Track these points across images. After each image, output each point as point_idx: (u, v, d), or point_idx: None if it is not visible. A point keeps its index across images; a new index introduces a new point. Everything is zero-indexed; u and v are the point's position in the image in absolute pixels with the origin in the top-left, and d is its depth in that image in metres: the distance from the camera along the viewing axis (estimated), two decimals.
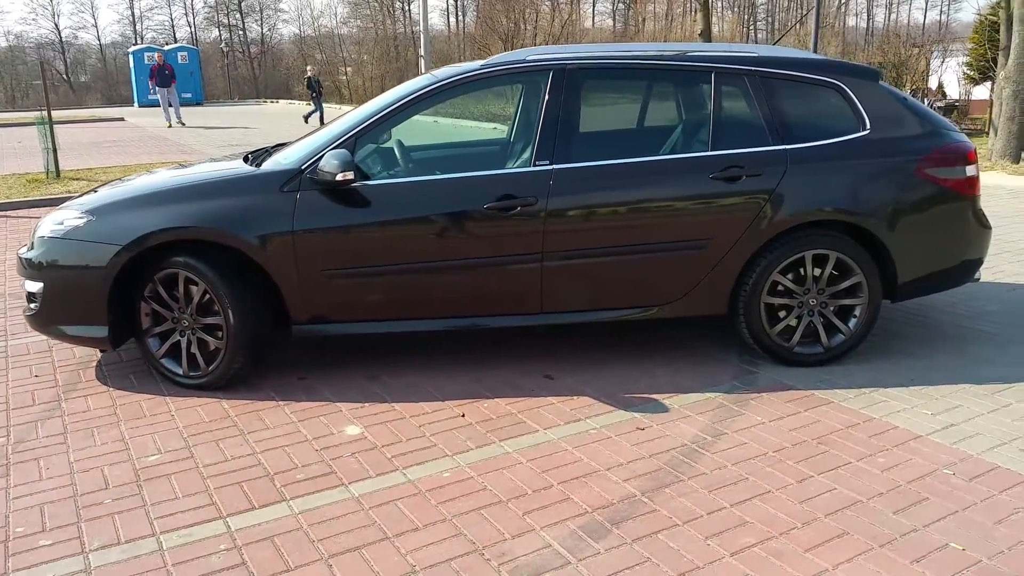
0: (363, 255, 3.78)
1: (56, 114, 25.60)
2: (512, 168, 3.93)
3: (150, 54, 24.73)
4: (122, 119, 23.85)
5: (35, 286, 3.90)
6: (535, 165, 3.83)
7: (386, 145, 4.13)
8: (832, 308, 4.06)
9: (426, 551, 2.61)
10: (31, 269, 3.90)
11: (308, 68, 23.87)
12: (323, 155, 3.71)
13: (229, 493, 2.99)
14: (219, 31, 57.09)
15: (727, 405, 3.68)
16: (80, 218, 3.85)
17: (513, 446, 3.32)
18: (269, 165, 3.95)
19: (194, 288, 3.77)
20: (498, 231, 3.80)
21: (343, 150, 3.69)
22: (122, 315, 3.88)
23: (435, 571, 2.51)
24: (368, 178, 3.88)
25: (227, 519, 2.82)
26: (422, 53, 18.79)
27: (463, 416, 3.60)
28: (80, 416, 3.67)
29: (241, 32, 58.04)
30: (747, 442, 3.32)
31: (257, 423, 3.56)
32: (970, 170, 4.08)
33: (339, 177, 3.62)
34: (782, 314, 4.06)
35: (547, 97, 3.89)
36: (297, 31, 59.54)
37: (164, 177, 4.23)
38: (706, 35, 19.04)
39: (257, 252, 3.73)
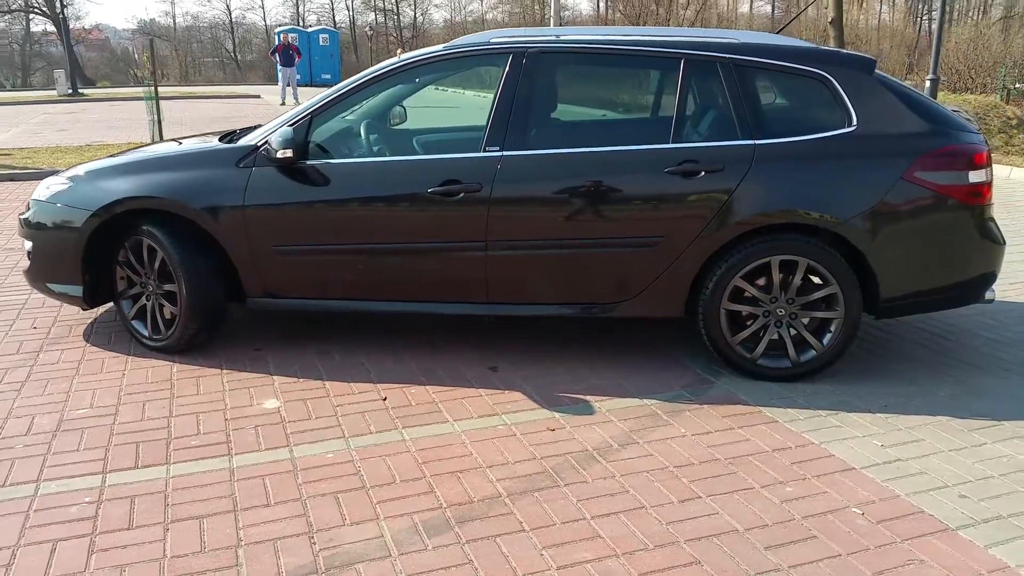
0: (308, 233, 3.83)
1: (201, 90, 27.60)
2: (461, 153, 3.85)
3: (294, 35, 26.04)
4: (258, 96, 25.26)
5: (28, 245, 4.21)
6: (485, 151, 3.74)
7: (352, 125, 4.14)
8: (806, 320, 3.74)
9: (261, 527, 2.63)
10: (25, 228, 4.21)
11: (398, 51, 24.32)
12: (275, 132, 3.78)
13: (124, 451, 3.13)
14: (375, 15, 59.33)
15: (658, 413, 3.48)
16: (63, 184, 4.13)
17: (412, 434, 3.27)
18: (241, 141, 4.06)
19: (157, 255, 3.94)
20: (443, 217, 3.75)
21: (288, 128, 3.75)
22: (101, 277, 4.12)
23: (256, 548, 2.53)
24: (331, 156, 3.92)
25: (107, 475, 2.96)
26: None
27: (384, 400, 3.59)
28: (47, 367, 3.94)
29: (395, 17, 60.00)
30: (652, 454, 3.12)
31: (191, 388, 3.70)
32: (976, 176, 3.62)
33: (278, 155, 3.69)
34: (750, 323, 3.78)
35: (503, 81, 3.78)
36: (448, 16, 60.95)
37: (148, 149, 4.44)
38: (837, 24, 17.83)
39: (211, 224, 3.85)
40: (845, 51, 3.86)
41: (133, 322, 4.13)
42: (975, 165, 3.61)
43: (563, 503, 2.78)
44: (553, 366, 3.96)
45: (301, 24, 52.24)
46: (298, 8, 60.25)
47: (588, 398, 3.63)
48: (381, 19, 58.17)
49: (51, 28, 48.05)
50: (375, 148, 4.13)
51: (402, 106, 4.65)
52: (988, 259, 3.75)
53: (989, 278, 3.81)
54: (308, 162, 3.81)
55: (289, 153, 3.68)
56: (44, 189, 4.20)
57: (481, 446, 3.18)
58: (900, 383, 3.81)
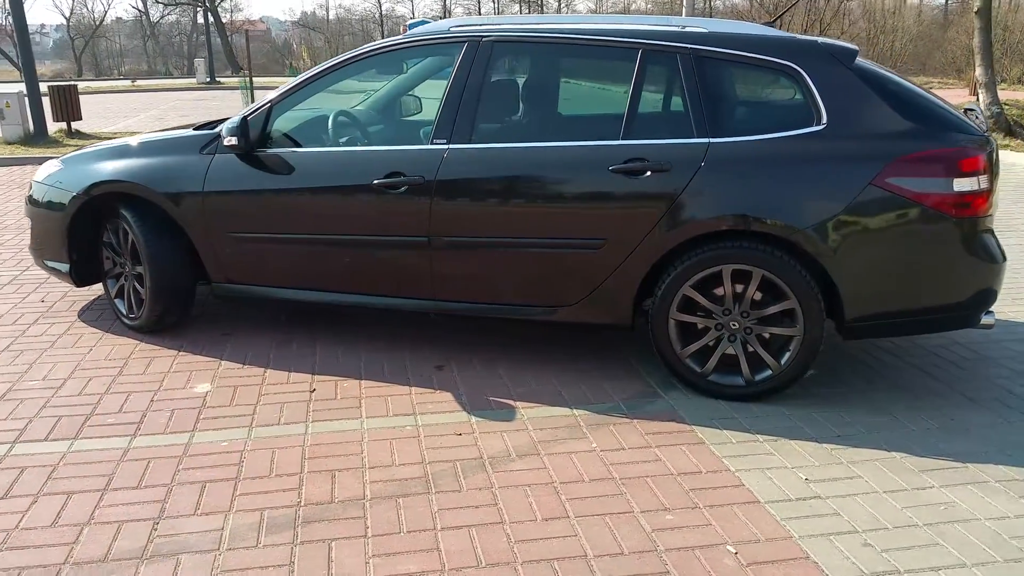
0: (260, 221, 3.88)
1: None
2: (409, 145, 3.78)
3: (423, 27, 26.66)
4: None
5: (30, 223, 4.49)
6: (432, 143, 3.65)
7: (311, 115, 4.14)
8: (767, 336, 3.43)
9: (117, 508, 2.68)
10: (27, 206, 4.49)
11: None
12: None
13: (43, 424, 3.27)
14: (519, 7, 59.77)
15: (580, 425, 3.28)
16: (57, 166, 4.37)
17: (317, 428, 3.25)
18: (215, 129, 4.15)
19: (130, 237, 4.10)
20: (388, 209, 3.69)
21: (238, 117, 3.79)
22: (92, 256, 4.34)
23: (101, 528, 2.58)
24: (287, 146, 3.93)
25: (16, 444, 3.11)
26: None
27: (312, 392, 3.58)
28: (29, 340, 4.19)
29: (539, 8, 60.20)
30: (545, 467, 2.95)
31: (140, 367, 3.83)
32: (963, 184, 3.18)
33: (226, 143, 3.74)
34: (702, 336, 3.50)
35: (454, 72, 3.67)
36: (592, 6, 60.52)
37: (139, 136, 4.62)
38: (984, 14, 16.29)
39: (174, 210, 3.97)
40: (823, 41, 3.48)
41: (115, 301, 4.33)
42: (961, 172, 3.18)
43: (421, 511, 2.67)
44: (500, 368, 3.83)
45: (448, 17, 53.25)
46: (444, 2, 61.58)
47: (517, 404, 3.48)
48: (525, 9, 58.50)
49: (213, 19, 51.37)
50: (330, 138, 4.10)
51: (415, 96, 4.62)
52: (980, 279, 3.30)
53: (983, 300, 3.35)
54: (260, 151, 3.85)
55: (234, 141, 3.73)
56: (43, 170, 4.46)
57: (376, 446, 3.11)
58: (871, 412, 3.42)
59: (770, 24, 3.84)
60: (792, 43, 3.44)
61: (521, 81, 3.92)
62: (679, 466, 2.97)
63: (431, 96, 4.63)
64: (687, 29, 3.50)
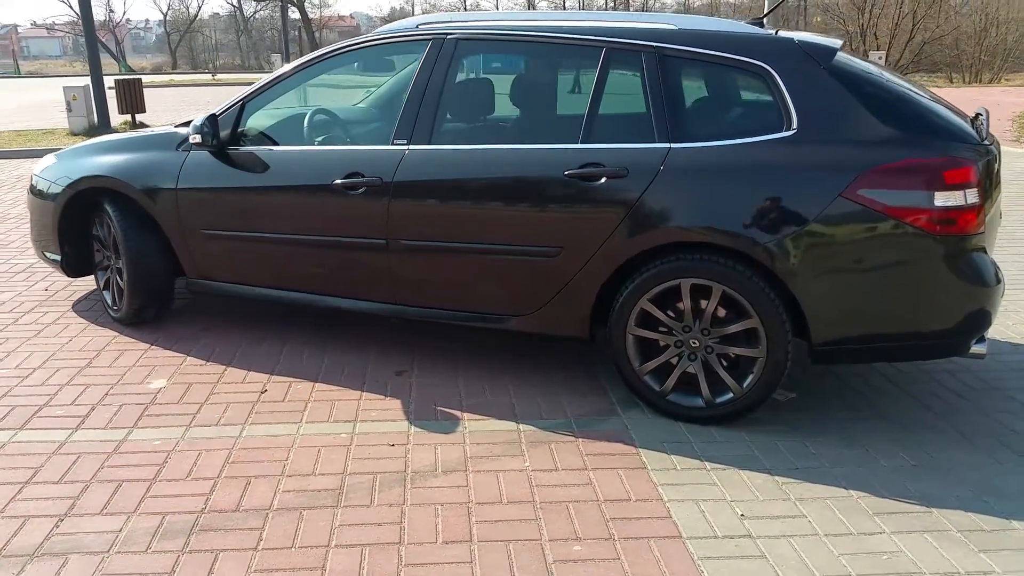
0: (228, 218, 3.87)
1: None
2: (371, 145, 3.70)
3: None
4: None
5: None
6: (393, 144, 3.56)
7: (282, 114, 4.10)
8: (732, 356, 3.21)
9: (30, 503, 2.70)
10: (28, 197, 4.62)
11: None
12: None
13: None
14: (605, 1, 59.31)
15: (519, 442, 3.14)
16: (51, 160, 4.47)
17: (251, 431, 3.20)
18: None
19: (112, 231, 4.17)
20: (348, 210, 3.62)
21: (204, 115, 3.78)
22: (86, 248, 4.44)
23: (6, 523, 2.60)
24: (258, 144, 3.91)
25: None
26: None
27: (262, 393, 3.55)
28: (19, 328, 4.31)
29: (614, 3, 59.55)
30: (466, 486, 2.82)
31: (107, 360, 3.88)
32: (946, 198, 2.88)
33: (191, 140, 3.75)
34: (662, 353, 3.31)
35: (418, 71, 3.57)
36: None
37: (126, 132, 4.69)
38: None
39: (149, 205, 4.01)
40: (800, 38, 3.21)
41: (104, 293, 4.41)
42: (945, 185, 2.88)
43: (322, 525, 2.59)
44: (461, 376, 3.72)
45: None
46: None
47: (463, 416, 3.36)
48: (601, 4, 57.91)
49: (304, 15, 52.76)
50: (305, 136, 4.04)
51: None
52: (967, 304, 2.99)
53: (972, 327, 3.04)
54: (231, 149, 3.84)
55: (199, 138, 3.73)
56: (40, 164, 4.58)
57: (303, 453, 3.04)
58: (842, 444, 3.16)
59: (758, 21, 3.58)
60: (764, 41, 3.19)
61: (485, 81, 3.79)
62: (608, 492, 2.80)
63: None
64: (654, 26, 3.30)
